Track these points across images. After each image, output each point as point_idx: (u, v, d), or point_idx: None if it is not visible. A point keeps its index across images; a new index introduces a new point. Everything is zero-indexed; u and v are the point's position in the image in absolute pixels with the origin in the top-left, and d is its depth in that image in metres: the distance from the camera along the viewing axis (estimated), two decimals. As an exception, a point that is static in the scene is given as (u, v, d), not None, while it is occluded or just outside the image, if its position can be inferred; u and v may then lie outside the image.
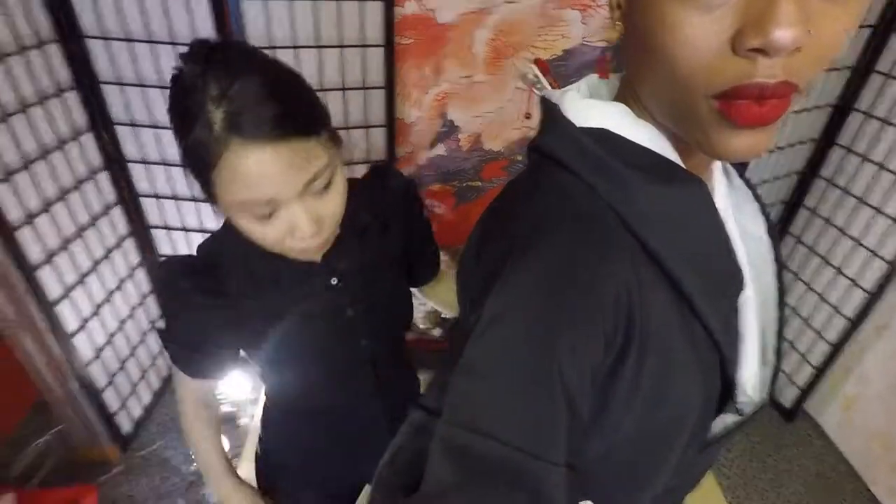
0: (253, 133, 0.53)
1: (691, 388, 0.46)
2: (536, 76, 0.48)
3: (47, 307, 1.46)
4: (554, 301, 0.41)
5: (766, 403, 0.54)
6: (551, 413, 0.40)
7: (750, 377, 0.50)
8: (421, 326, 2.06)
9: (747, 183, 0.56)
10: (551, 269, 0.41)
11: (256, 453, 0.99)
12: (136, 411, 1.89)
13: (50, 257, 1.46)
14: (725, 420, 0.52)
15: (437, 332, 2.13)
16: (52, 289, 1.47)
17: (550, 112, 0.49)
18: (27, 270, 1.38)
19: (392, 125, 1.72)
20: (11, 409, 1.79)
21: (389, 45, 1.56)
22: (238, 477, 0.88)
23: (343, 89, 1.62)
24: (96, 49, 1.49)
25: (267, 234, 0.61)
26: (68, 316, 1.54)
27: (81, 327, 1.58)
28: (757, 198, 0.56)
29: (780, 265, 0.55)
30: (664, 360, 0.43)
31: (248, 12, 1.44)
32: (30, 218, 1.38)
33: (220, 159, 0.54)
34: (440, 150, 1.82)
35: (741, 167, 0.56)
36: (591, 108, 0.46)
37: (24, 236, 1.37)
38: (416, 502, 0.42)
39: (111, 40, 1.47)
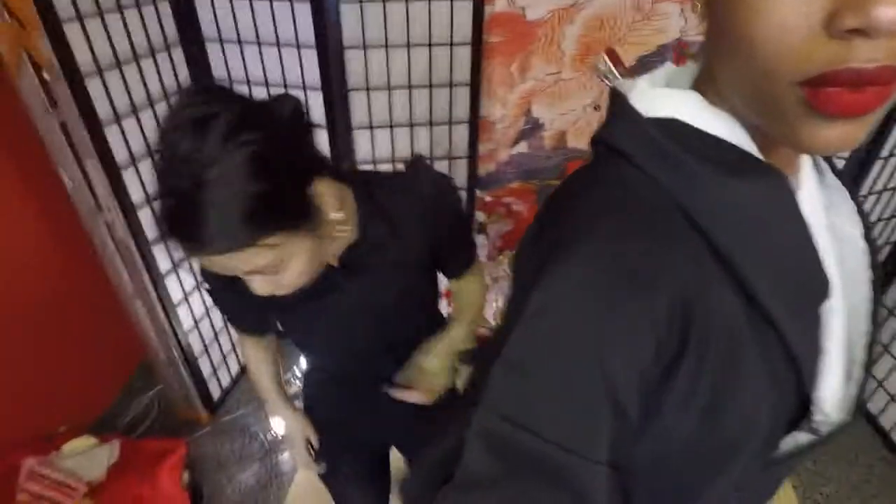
0: (199, 248, 0.60)
1: (758, 401, 0.42)
2: (608, 66, 0.46)
3: (158, 279, 1.63)
4: (602, 295, 0.39)
5: (847, 423, 0.48)
6: (593, 411, 0.39)
7: (831, 394, 0.45)
8: (491, 323, 2.07)
9: (843, 181, 0.50)
10: (602, 261, 0.39)
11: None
12: (225, 380, 2.06)
13: (162, 236, 1.62)
14: (798, 438, 0.47)
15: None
16: (163, 263, 1.64)
17: (617, 102, 0.46)
18: (144, 246, 1.56)
19: (475, 122, 1.73)
20: (122, 369, 2.02)
21: (477, 44, 1.57)
22: (294, 407, 1.04)
23: (430, 86, 1.66)
24: (214, 51, 1.66)
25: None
26: (174, 288, 1.70)
27: (184, 299, 1.75)
28: (854, 198, 0.50)
29: (877, 273, 0.49)
30: (727, 369, 0.40)
31: (347, 15, 1.51)
32: (149, 201, 1.55)
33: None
34: (522, 147, 1.81)
35: (832, 161, 0.51)
36: (660, 97, 0.44)
37: (145, 216, 1.54)
38: (453, 491, 0.42)
39: (226, 43, 1.62)
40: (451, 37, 1.57)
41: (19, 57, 1.27)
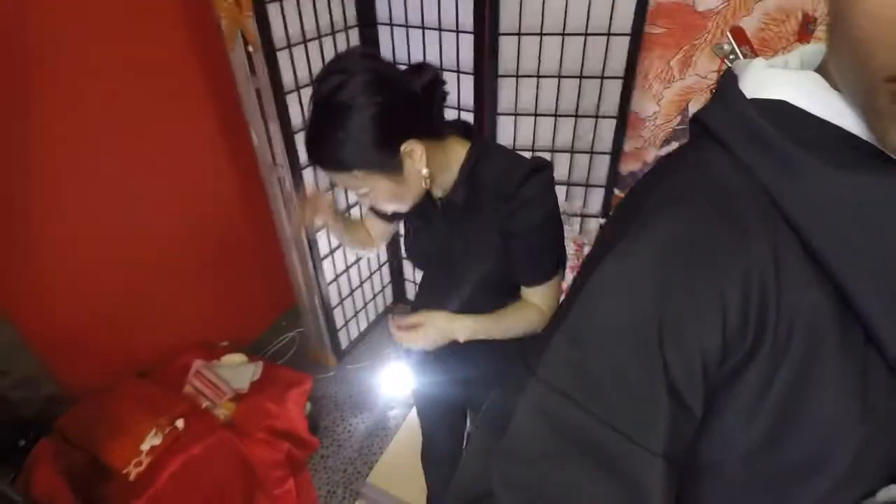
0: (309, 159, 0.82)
1: (843, 423, 0.37)
2: (732, 47, 0.42)
3: (311, 232, 1.87)
4: (667, 276, 0.37)
5: None
6: (651, 398, 0.37)
7: None
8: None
9: None
10: (672, 242, 0.38)
11: None
12: (354, 333, 2.28)
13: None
14: (891, 492, 0.40)
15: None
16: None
17: (723, 83, 0.44)
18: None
19: (624, 117, 1.66)
20: (275, 307, 2.35)
21: (636, 34, 1.50)
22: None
23: (580, 77, 1.63)
24: (384, 33, 1.81)
25: None
26: (323, 243, 1.93)
27: (330, 253, 1.98)
28: None
29: None
30: (805, 375, 0.36)
31: (505, 3, 1.55)
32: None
33: None
34: (673, 148, 1.69)
35: None
36: (772, 77, 0.40)
37: (308, 174, 1.77)
38: (497, 458, 0.43)
39: (396, 26, 1.77)
40: (610, 26, 1.52)
41: (234, 33, 1.54)
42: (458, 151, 0.89)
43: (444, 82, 0.83)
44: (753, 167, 0.39)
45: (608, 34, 1.53)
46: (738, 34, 0.44)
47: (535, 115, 1.73)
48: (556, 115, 1.72)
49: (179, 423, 1.50)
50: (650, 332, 0.37)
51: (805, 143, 0.36)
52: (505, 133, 1.79)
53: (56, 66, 1.34)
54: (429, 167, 0.83)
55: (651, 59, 1.56)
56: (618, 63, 1.57)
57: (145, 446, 1.42)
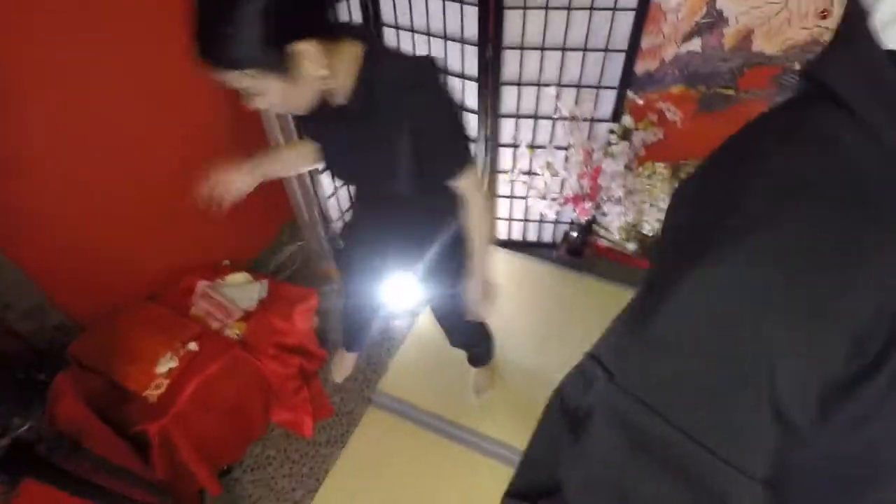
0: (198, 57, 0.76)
1: None
2: None
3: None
4: (781, 300, 0.31)
5: None
6: (755, 425, 0.33)
7: None
8: (615, 237, 1.97)
9: None
10: (791, 252, 0.31)
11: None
12: (355, 246, 2.26)
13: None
14: None
15: (631, 246, 2.01)
16: (310, 130, 1.76)
17: (850, 23, 0.34)
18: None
19: (644, 9, 1.50)
20: (274, 222, 2.30)
21: None
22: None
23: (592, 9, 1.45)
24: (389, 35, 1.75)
25: None
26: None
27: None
28: None
29: None
30: None
31: None
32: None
33: None
34: (695, 45, 1.55)
35: None
36: None
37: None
38: (578, 459, 0.40)
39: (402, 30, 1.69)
40: None
41: None
42: (351, 54, 0.86)
43: None
44: (891, 142, 0.31)
45: None
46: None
47: (547, 7, 1.56)
48: (568, 9, 1.55)
49: (193, 346, 1.52)
50: (755, 353, 0.32)
51: None
52: (513, 29, 1.63)
53: None
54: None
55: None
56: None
57: (162, 369, 1.45)
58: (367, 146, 0.95)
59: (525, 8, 1.56)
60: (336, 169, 1.09)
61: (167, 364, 1.46)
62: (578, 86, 1.74)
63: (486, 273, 1.12)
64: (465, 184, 0.99)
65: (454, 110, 0.92)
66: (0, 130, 1.23)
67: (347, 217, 2.14)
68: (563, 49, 1.65)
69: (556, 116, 1.81)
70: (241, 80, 0.77)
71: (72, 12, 1.29)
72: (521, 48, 1.66)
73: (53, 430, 1.08)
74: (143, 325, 1.55)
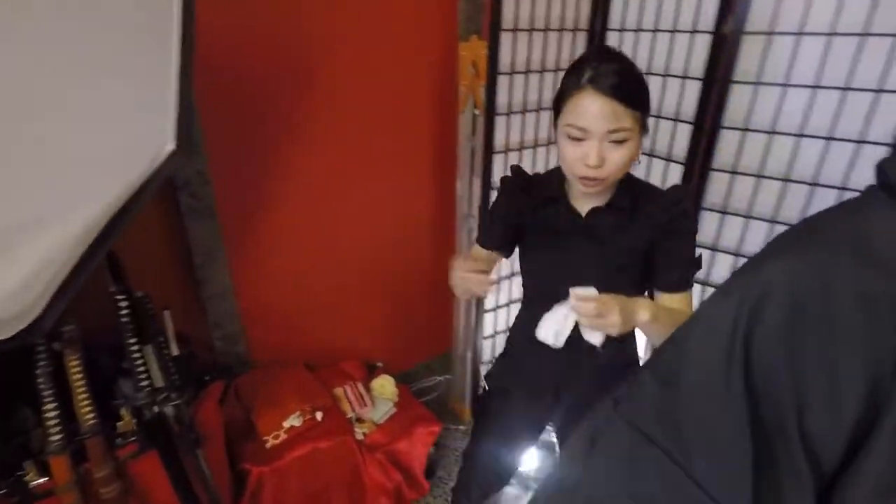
0: (601, 87, 0.86)
1: None
2: None
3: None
4: (797, 326, 0.32)
5: None
6: (739, 462, 0.32)
7: None
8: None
9: None
10: (799, 284, 0.33)
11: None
12: (496, 398, 2.23)
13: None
14: None
15: None
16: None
17: None
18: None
19: None
20: (433, 348, 2.45)
21: (900, 147, 1.27)
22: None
23: (813, 184, 1.43)
24: (612, 38, 1.75)
25: (570, 153, 0.91)
26: (489, 297, 1.99)
27: (494, 309, 2.02)
28: None
29: None
30: None
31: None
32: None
33: (576, 95, 0.88)
34: None
35: None
36: None
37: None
38: (588, 476, 0.41)
39: (626, 31, 1.70)
40: (863, 135, 1.32)
41: (468, 98, 1.78)
42: None
43: None
44: None
45: (860, 141, 1.33)
46: None
47: (748, 216, 1.56)
48: (773, 222, 1.52)
49: (318, 415, 1.65)
50: (737, 385, 0.33)
51: None
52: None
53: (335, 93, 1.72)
54: None
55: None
56: (864, 177, 1.34)
57: (287, 424, 1.59)
58: (615, 238, 1.00)
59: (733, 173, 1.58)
60: (550, 270, 1.07)
61: (293, 421, 1.60)
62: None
63: (650, 312, 0.91)
64: (686, 298, 1.00)
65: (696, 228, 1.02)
66: (259, 194, 1.71)
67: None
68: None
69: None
70: (627, 120, 0.87)
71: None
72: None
73: (191, 418, 1.26)
74: (292, 381, 1.76)
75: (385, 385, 1.94)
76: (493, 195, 1.81)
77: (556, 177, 1.05)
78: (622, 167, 0.92)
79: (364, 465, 1.65)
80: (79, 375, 1.09)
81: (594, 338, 0.93)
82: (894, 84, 1.25)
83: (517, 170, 1.12)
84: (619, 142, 0.88)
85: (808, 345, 0.31)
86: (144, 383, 1.16)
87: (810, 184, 1.44)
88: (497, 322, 2.06)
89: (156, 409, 1.18)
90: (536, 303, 1.04)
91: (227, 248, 1.65)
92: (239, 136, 1.60)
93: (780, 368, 0.32)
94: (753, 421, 0.32)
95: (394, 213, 2.03)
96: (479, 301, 1.96)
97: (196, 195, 1.57)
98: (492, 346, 2.09)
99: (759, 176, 1.52)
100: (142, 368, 1.17)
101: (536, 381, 1.19)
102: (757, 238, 1.57)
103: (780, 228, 1.49)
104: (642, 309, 0.89)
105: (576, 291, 0.89)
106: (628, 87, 0.87)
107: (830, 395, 0.30)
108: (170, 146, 1.11)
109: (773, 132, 1.46)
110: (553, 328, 0.95)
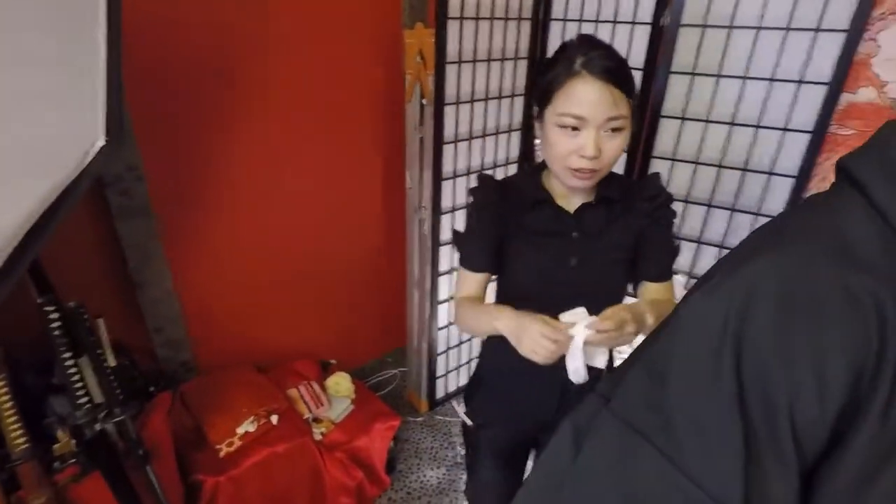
0: (597, 72, 0.81)
1: None
2: None
3: (436, 275, 1.94)
4: (753, 326, 0.34)
5: None
6: (727, 446, 0.34)
7: None
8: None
9: None
10: (764, 288, 0.35)
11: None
12: (452, 385, 2.25)
13: (448, 243, 1.93)
14: None
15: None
16: (443, 264, 1.94)
17: (881, 129, 0.40)
18: (436, 245, 1.88)
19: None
20: (387, 342, 2.43)
21: (818, 134, 1.38)
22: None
23: (744, 170, 1.53)
24: (555, 29, 1.78)
25: (564, 144, 0.85)
26: (443, 288, 1.99)
27: (447, 300, 2.02)
28: None
29: None
30: None
31: (673, 83, 1.55)
32: (453, 210, 1.88)
33: (569, 83, 0.82)
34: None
35: None
36: None
37: (446, 220, 1.87)
38: (576, 475, 0.41)
39: (569, 21, 1.73)
40: (787, 121, 1.42)
41: (413, 87, 1.75)
42: None
43: None
44: (889, 212, 0.35)
45: (785, 129, 1.43)
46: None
47: (686, 201, 1.65)
48: (709, 205, 1.62)
49: (274, 419, 1.59)
50: (728, 377, 0.35)
51: None
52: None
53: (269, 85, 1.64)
54: None
55: (833, 160, 1.41)
56: (792, 160, 1.45)
57: (241, 430, 1.53)
58: (608, 232, 0.96)
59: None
60: (547, 275, 0.97)
61: (247, 426, 1.53)
62: (733, 209, 1.67)
63: (648, 320, 0.88)
64: (671, 286, 1.00)
65: None
66: (199, 193, 1.62)
67: (454, 354, 2.18)
68: (699, 243, 1.67)
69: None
70: (624, 107, 0.83)
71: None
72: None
73: (137, 434, 1.18)
74: (242, 386, 1.68)
75: (340, 382, 1.90)
76: (445, 187, 1.81)
77: (533, 177, 0.99)
78: (616, 158, 0.87)
79: (324, 465, 1.61)
80: (6, 398, 0.99)
81: (599, 361, 0.85)
82: (813, 76, 1.36)
83: (487, 179, 1.01)
84: (616, 130, 0.84)
85: (798, 335, 0.33)
86: (83, 400, 1.07)
87: (742, 169, 1.53)
88: (450, 313, 2.07)
89: (97, 426, 1.10)
90: None
91: (166, 247, 1.55)
92: (173, 130, 1.49)
93: (772, 360, 0.33)
94: (743, 412, 0.34)
95: (341, 205, 1.98)
96: (433, 291, 1.96)
97: (128, 193, 1.45)
98: (446, 336, 2.10)
99: (696, 162, 1.60)
100: (79, 384, 1.08)
101: (528, 411, 1.08)
102: (695, 221, 1.66)
103: (716, 211, 1.59)
104: (646, 311, 0.86)
105: (574, 317, 0.82)
106: (624, 73, 0.83)
107: (819, 385, 0.32)
108: (100, 141, 1.02)
109: (707, 121, 1.54)
110: (573, 365, 0.83)
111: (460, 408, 1.20)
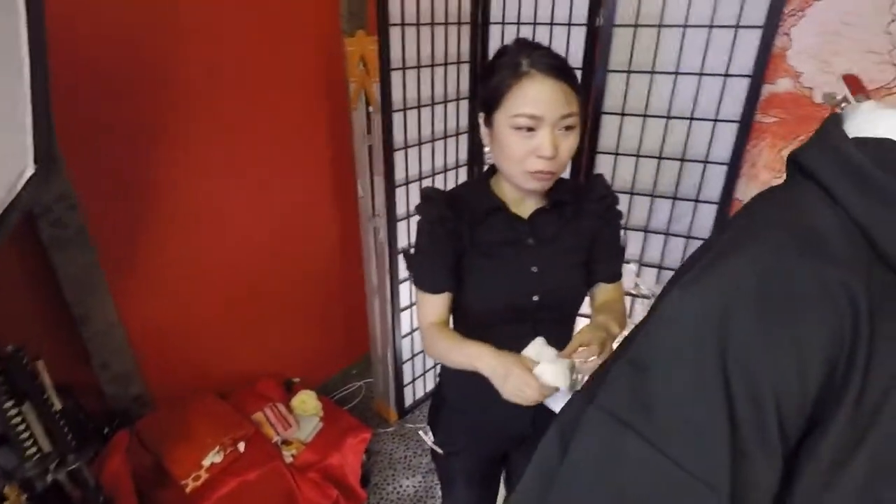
0: (545, 70, 0.81)
1: None
2: (845, 97, 0.45)
3: (395, 282, 1.93)
4: (736, 316, 0.36)
5: None
6: (712, 431, 0.35)
7: None
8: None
9: None
10: (744, 281, 0.36)
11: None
12: (419, 393, 2.24)
13: (408, 248, 1.93)
14: None
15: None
16: (402, 271, 1.94)
17: (825, 123, 0.44)
18: (394, 252, 1.87)
19: (727, 205, 1.60)
20: (350, 354, 2.39)
21: (745, 123, 1.48)
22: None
23: (682, 160, 1.62)
24: (495, 32, 1.81)
25: (520, 147, 0.83)
26: (404, 295, 1.98)
27: (410, 307, 2.01)
28: None
29: None
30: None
31: (612, 83, 1.62)
32: (408, 216, 1.87)
33: (518, 85, 0.81)
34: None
35: None
36: (882, 116, 0.40)
37: (402, 228, 1.86)
38: (564, 473, 0.42)
39: (507, 24, 1.76)
40: (717, 113, 1.52)
41: (359, 95, 1.73)
42: None
43: None
44: (848, 204, 0.37)
45: (715, 120, 1.53)
46: (853, 81, 0.44)
47: (631, 193, 1.72)
48: (652, 196, 1.70)
49: (241, 446, 1.53)
50: (712, 365, 0.36)
51: None
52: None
53: (203, 80, 1.58)
54: None
55: (761, 148, 1.52)
56: (723, 149, 1.55)
57: (206, 462, 1.45)
58: (564, 236, 0.95)
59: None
60: (510, 287, 0.94)
61: (213, 457, 1.47)
62: (660, 267, 1.79)
63: (614, 331, 0.89)
64: (621, 286, 1.02)
65: None
66: (136, 210, 1.54)
67: (419, 360, 2.18)
68: (646, 231, 1.76)
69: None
70: (575, 104, 0.83)
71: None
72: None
73: (96, 480, 1.10)
74: (203, 416, 1.61)
75: (306, 401, 1.85)
76: (399, 194, 1.80)
77: (483, 186, 0.96)
78: (570, 157, 0.86)
79: (298, 488, 1.56)
80: (-60, 458, 0.90)
81: (560, 380, 0.81)
82: (737, 69, 1.46)
83: (433, 193, 0.95)
84: (569, 128, 0.83)
85: (779, 328, 0.35)
86: (31, 451, 0.99)
87: (679, 159, 1.62)
88: (413, 319, 2.06)
89: (49, 478, 1.02)
90: (484, 337, 0.89)
91: (108, 276, 1.45)
92: (107, 152, 1.40)
93: (756, 352, 0.35)
94: (729, 401, 0.35)
95: (291, 218, 1.93)
96: (393, 298, 1.95)
97: (60, 223, 1.35)
98: (410, 343, 2.09)
99: (638, 155, 1.68)
100: (25, 434, 0.99)
101: (501, 430, 1.06)
102: (640, 211, 1.74)
103: (659, 202, 1.67)
104: (611, 324, 0.87)
105: (535, 350, 0.82)
106: (569, 70, 0.84)
107: (799, 375, 0.34)
108: (29, 170, 0.95)
109: (645, 115, 1.62)
110: (556, 407, 0.82)
111: (428, 437, 1.13)
